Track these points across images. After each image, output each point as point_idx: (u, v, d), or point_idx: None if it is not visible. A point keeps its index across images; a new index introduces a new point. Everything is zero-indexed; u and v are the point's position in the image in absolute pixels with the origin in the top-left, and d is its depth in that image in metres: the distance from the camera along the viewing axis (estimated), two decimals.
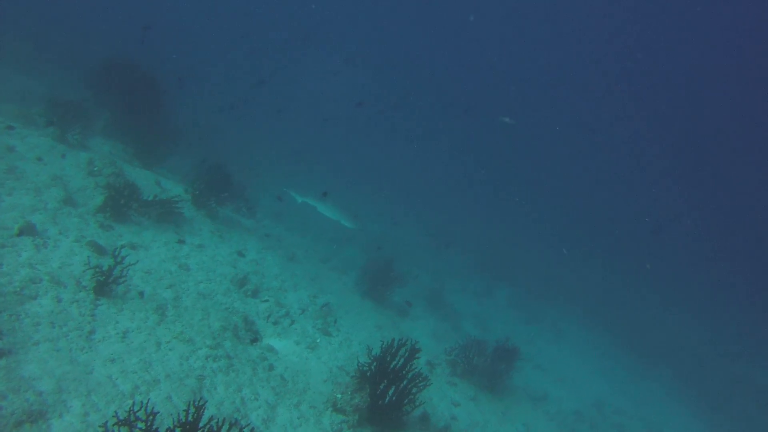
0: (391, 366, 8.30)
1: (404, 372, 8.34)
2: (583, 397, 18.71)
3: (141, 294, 8.49)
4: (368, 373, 8.26)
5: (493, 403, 13.03)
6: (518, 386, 15.14)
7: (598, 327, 29.15)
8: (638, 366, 25.70)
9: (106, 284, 7.80)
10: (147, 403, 5.71)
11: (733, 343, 32.73)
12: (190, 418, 5.26)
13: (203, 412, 5.37)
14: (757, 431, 21.95)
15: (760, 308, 41.13)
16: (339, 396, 8.28)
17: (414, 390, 8.43)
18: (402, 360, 8.37)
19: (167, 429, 5.18)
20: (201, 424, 5.27)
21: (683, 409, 22.52)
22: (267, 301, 11.25)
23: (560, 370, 20.43)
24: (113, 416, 5.44)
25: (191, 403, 5.59)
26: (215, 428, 5.31)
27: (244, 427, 5.88)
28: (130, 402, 5.99)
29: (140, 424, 5.19)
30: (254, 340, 9.21)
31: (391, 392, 8.31)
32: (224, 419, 5.86)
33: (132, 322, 7.57)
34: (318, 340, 10.85)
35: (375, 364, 8.25)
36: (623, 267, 45.11)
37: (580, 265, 42.04)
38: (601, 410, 18.20)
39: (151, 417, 5.21)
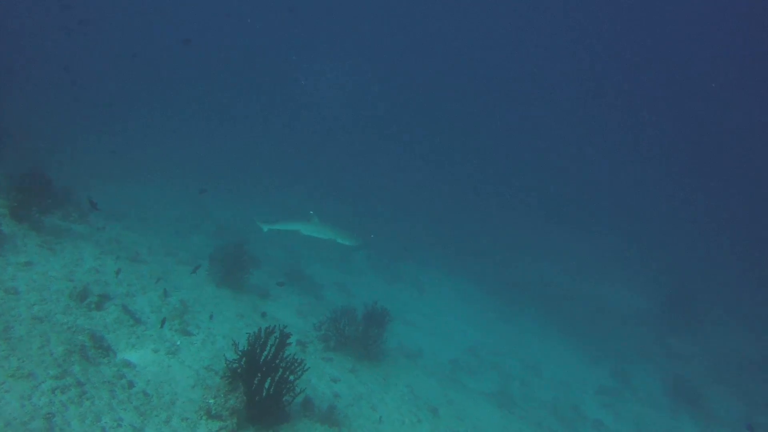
0: (263, 357, 7.85)
1: (277, 361, 7.94)
2: (457, 345, 19.37)
3: None
4: (239, 370, 7.75)
5: (373, 370, 13.00)
6: (393, 348, 15.27)
7: (461, 276, 30.25)
8: (507, 307, 26.97)
9: None
10: None
11: (591, 269, 35.58)
12: None
13: None
14: (618, 348, 23.91)
15: (610, 234, 45.29)
16: (212, 401, 7.71)
17: (292, 378, 8.06)
18: (273, 349, 7.95)
19: None
20: None
21: (556, 339, 24.07)
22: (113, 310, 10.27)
23: (430, 324, 20.99)
24: None
25: None
26: None
27: None
28: None
29: None
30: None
31: (267, 385, 7.87)
32: None
33: None
34: (178, 343, 10.08)
35: (244, 359, 7.75)
36: (479, 213, 47.33)
37: (436, 216, 43.52)
38: (477, 354, 18.95)
39: None
